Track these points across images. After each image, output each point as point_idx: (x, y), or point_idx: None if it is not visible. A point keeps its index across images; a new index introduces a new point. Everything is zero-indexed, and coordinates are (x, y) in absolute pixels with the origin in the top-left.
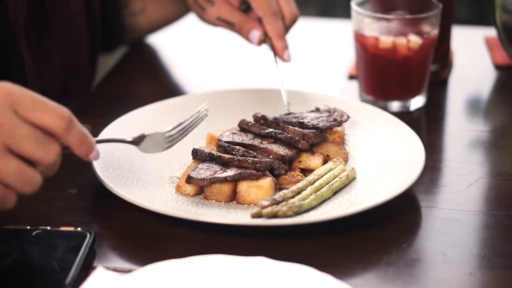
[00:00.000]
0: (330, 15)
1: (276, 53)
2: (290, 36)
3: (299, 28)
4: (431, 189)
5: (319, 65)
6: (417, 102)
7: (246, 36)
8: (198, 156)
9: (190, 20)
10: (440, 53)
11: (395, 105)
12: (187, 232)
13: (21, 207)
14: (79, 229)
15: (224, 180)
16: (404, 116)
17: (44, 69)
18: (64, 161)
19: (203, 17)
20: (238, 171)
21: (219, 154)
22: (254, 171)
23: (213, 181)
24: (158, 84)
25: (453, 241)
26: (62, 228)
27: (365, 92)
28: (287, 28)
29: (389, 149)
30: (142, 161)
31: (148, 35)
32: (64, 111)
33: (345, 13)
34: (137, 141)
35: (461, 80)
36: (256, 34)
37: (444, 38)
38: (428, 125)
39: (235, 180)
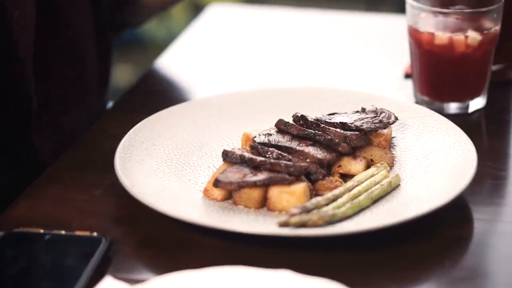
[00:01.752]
0: (377, 10)
1: None
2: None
3: (353, 23)
4: (489, 200)
5: (373, 62)
6: (476, 103)
7: None
8: (228, 158)
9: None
10: (504, 52)
11: (453, 107)
12: (210, 240)
13: (39, 209)
14: (94, 234)
15: (254, 184)
16: (462, 118)
17: (47, 79)
18: (90, 160)
19: None
20: (269, 175)
21: (250, 156)
22: (286, 176)
23: (241, 185)
24: (189, 84)
25: (504, 258)
26: (77, 233)
27: (419, 92)
28: None
29: (439, 154)
30: (170, 162)
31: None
32: None
33: (393, 8)
34: None
35: None
36: None
37: (508, 36)
38: (489, 129)
39: (265, 184)
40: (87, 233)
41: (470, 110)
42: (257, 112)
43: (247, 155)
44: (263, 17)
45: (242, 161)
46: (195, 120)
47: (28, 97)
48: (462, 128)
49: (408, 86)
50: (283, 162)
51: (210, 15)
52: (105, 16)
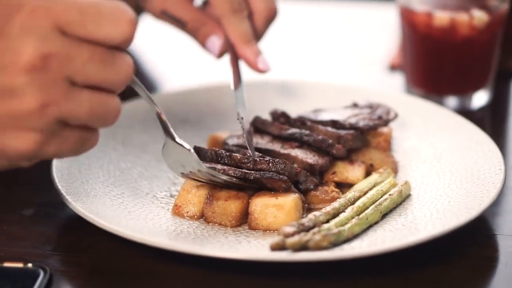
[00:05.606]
0: None
1: (247, 64)
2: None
3: (322, 14)
4: (509, 211)
5: (351, 55)
6: (480, 98)
7: (202, 42)
8: (201, 156)
9: None
10: (505, 38)
11: (452, 102)
12: (180, 270)
13: None
14: (30, 265)
15: (243, 177)
16: (464, 116)
17: None
18: (19, 174)
19: (145, 7)
20: (261, 173)
21: (228, 153)
22: (282, 176)
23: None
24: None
25: None
26: (7, 264)
27: (413, 84)
28: (260, 29)
29: (453, 157)
30: (120, 173)
31: None
32: (125, 13)
33: None
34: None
35: None
36: (215, 43)
37: (510, 19)
38: (495, 129)
39: (255, 182)
40: (20, 265)
41: (474, 106)
42: (224, 110)
43: (224, 152)
44: None
45: (218, 158)
46: (148, 121)
47: None
48: None
49: (395, 79)
50: (270, 159)
51: None
52: None
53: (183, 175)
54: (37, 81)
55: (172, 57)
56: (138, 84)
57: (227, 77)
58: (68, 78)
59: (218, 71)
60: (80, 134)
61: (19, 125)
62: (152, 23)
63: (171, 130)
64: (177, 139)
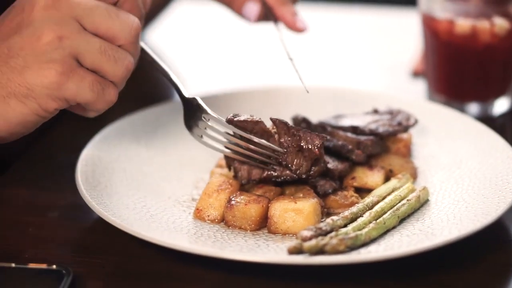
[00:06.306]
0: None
1: (285, 24)
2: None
3: (345, 20)
4: None
5: (374, 61)
6: (501, 105)
7: (238, 10)
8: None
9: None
10: None
11: (473, 108)
12: (200, 272)
13: None
14: (54, 266)
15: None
16: (485, 123)
17: None
18: (42, 177)
19: None
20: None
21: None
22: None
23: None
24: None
25: None
26: (31, 266)
27: (435, 90)
28: None
29: (472, 163)
30: (144, 176)
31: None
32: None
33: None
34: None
35: None
36: (252, 8)
37: None
38: None
39: (292, 135)
40: (44, 266)
41: (495, 112)
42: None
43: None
44: None
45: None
46: (171, 126)
47: None
48: None
49: (418, 85)
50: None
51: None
52: None
53: (201, 141)
54: (52, 17)
55: (189, 64)
56: (145, 46)
57: (242, 83)
58: (77, 19)
59: (236, 77)
60: (95, 78)
61: (41, 59)
62: (167, 29)
63: (181, 88)
64: (187, 95)
